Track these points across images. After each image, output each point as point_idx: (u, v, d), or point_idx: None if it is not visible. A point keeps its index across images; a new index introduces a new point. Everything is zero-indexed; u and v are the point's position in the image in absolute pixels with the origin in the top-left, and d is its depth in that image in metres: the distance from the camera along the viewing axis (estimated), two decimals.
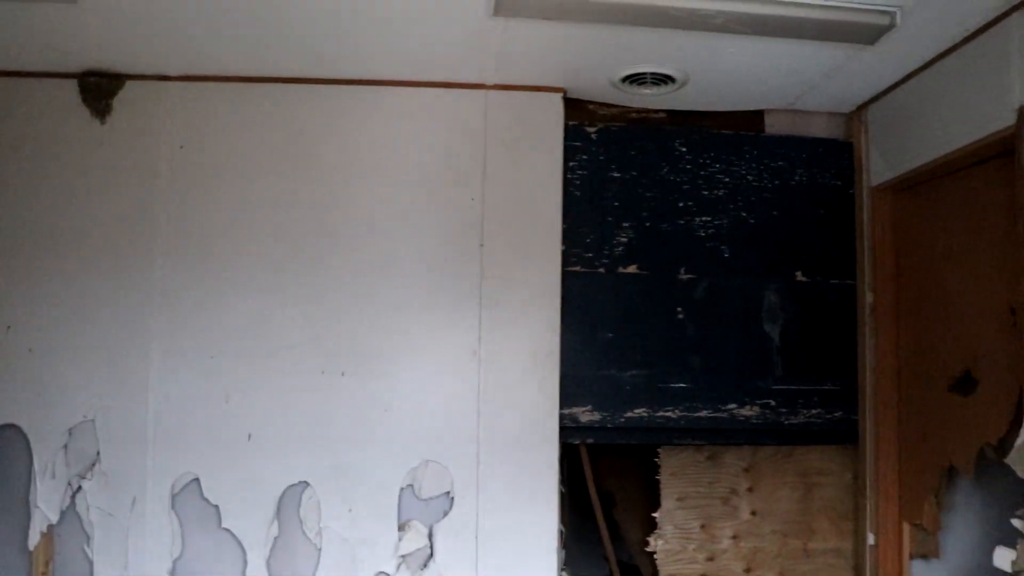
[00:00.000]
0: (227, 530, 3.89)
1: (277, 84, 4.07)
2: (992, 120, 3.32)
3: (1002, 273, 3.35)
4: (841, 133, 4.47)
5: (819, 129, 4.49)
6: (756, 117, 4.50)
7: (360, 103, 4.10)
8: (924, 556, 4.05)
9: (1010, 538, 3.12)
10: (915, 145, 3.85)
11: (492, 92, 4.15)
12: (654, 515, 4.33)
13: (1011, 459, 3.06)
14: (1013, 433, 3.15)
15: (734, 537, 4.36)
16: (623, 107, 4.40)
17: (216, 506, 3.88)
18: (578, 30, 3.51)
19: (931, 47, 3.62)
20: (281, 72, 4.02)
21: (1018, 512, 3.06)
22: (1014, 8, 3.21)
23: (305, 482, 3.93)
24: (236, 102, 4.04)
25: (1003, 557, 3.14)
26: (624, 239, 4.22)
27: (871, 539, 4.19)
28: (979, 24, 3.36)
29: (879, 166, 4.19)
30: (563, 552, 4.21)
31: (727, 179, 4.31)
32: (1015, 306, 3.24)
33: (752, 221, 4.29)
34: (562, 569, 4.16)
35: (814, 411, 4.24)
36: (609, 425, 4.12)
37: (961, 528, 3.92)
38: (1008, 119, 3.22)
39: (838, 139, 4.43)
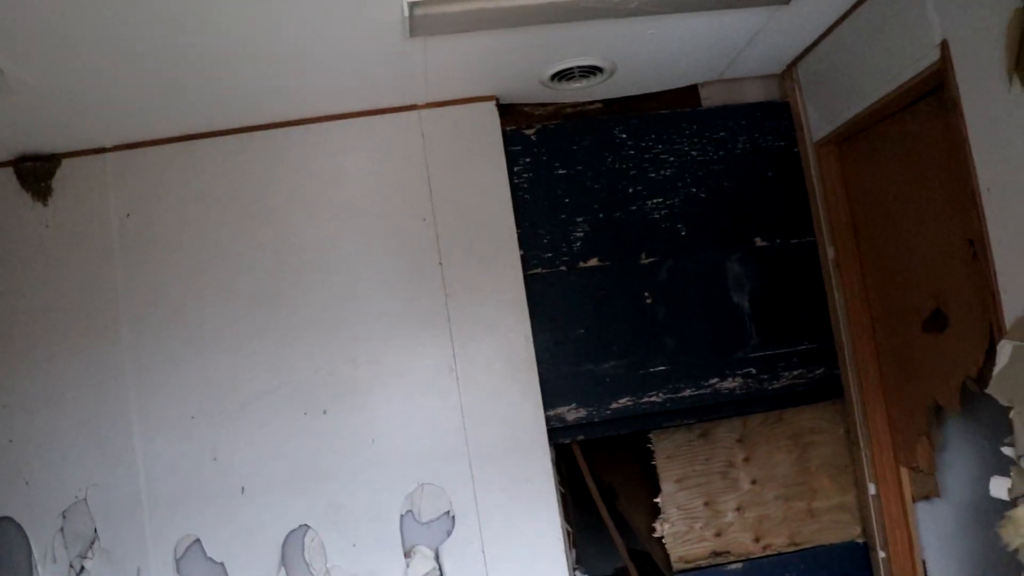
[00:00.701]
0: None
1: (216, 138, 4.03)
2: (917, 59, 3.31)
3: (954, 207, 3.34)
4: (777, 94, 4.45)
5: (755, 94, 4.47)
6: (691, 92, 4.48)
7: (299, 143, 4.07)
8: (926, 497, 4.03)
9: (1004, 466, 3.09)
10: (848, 96, 3.84)
11: (425, 111, 4.12)
12: (656, 500, 4.29)
13: (992, 388, 3.03)
14: (990, 362, 3.12)
15: (738, 509, 4.33)
16: (557, 104, 4.38)
17: (221, 563, 3.84)
18: (498, 37, 3.49)
19: None
20: (218, 126, 3.99)
21: (1007, 440, 3.02)
22: None
23: (305, 525, 3.89)
24: (177, 162, 4.00)
25: (999, 486, 3.10)
26: (580, 234, 4.19)
27: (872, 489, 4.17)
28: None
29: (818, 122, 4.18)
30: (573, 552, 4.17)
31: (672, 158, 4.28)
32: (971, 237, 3.21)
33: (703, 195, 4.27)
34: (575, 568, 4.12)
35: (796, 372, 4.22)
36: (596, 419, 4.09)
37: (957, 464, 3.91)
38: (932, 55, 3.21)
39: (774, 101, 4.41)
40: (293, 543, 3.88)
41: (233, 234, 3.98)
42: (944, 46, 3.13)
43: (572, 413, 4.06)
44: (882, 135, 3.81)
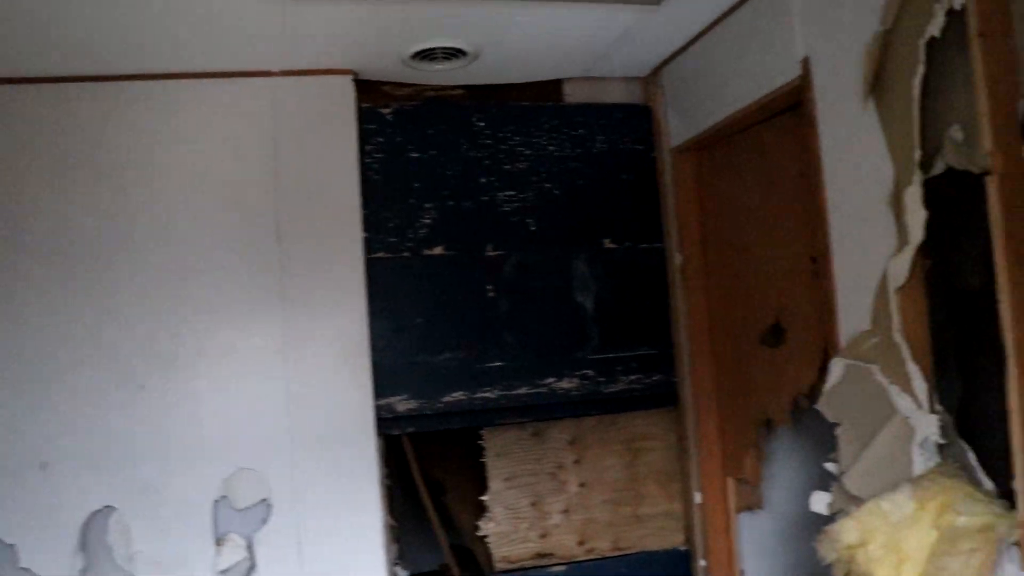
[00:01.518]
0: (26, 569, 3.48)
1: (48, 84, 3.65)
2: (779, 73, 3.28)
3: (801, 224, 3.32)
4: (639, 97, 4.39)
5: (618, 95, 4.39)
6: (554, 87, 4.37)
7: (138, 99, 3.73)
8: (749, 508, 4.05)
9: (827, 482, 3.08)
10: (709, 104, 3.80)
11: (279, 79, 3.86)
12: (483, 498, 4.15)
13: (821, 404, 3.03)
14: (823, 379, 3.10)
15: (565, 511, 4.24)
16: (418, 85, 4.18)
17: (12, 545, 3.48)
18: (362, 9, 3.29)
19: (717, 5, 3.56)
20: (53, 71, 3.61)
21: (831, 455, 3.02)
22: None
23: (110, 506, 3.57)
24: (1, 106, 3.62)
25: (820, 501, 3.10)
26: (428, 220, 4.01)
27: (698, 498, 4.15)
28: None
29: (677, 128, 4.13)
30: (395, 547, 4.00)
31: (528, 151, 4.16)
32: (815, 255, 3.19)
33: (556, 192, 4.16)
34: (395, 563, 3.94)
35: (633, 377, 4.15)
36: (428, 412, 3.93)
37: (782, 477, 3.94)
38: (794, 71, 3.19)
39: (636, 104, 4.35)
40: (96, 525, 3.56)
41: (54, 192, 3.62)
42: (806, 63, 3.11)
43: (403, 404, 3.88)
44: (739, 146, 3.78)
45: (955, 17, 2.49)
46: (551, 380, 4.06)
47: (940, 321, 4.45)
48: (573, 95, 4.36)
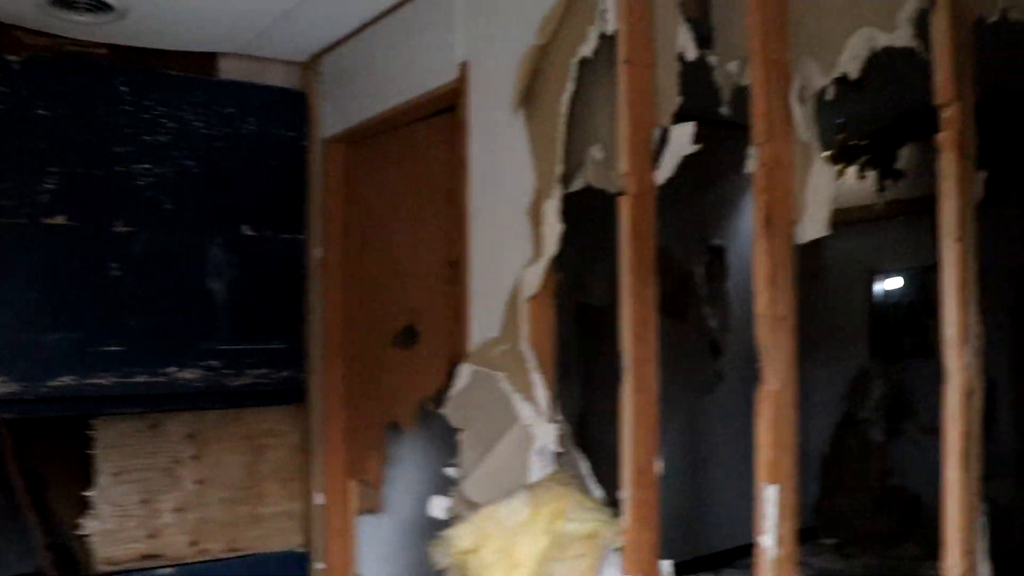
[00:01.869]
0: None
1: None
2: (436, 75, 3.26)
3: (444, 227, 3.30)
4: (297, 83, 4.20)
5: (276, 78, 4.18)
6: (208, 60, 4.07)
7: None
8: (371, 511, 3.99)
9: (445, 486, 3.07)
10: (365, 98, 3.72)
11: None
12: (87, 494, 3.77)
13: (446, 409, 3.02)
14: (449, 384, 3.09)
15: (178, 509, 3.94)
16: (59, 37, 3.71)
17: None
18: None
19: None
20: None
21: (452, 461, 3.01)
22: None
23: None
24: None
25: (439, 505, 3.09)
26: (51, 186, 3.56)
27: (319, 498, 4.03)
28: None
29: (331, 118, 4.00)
30: None
31: (172, 124, 3.84)
32: (454, 259, 3.18)
33: (198, 171, 3.87)
34: None
35: (261, 371, 3.96)
36: (30, 396, 3.49)
37: (405, 481, 3.92)
38: (451, 74, 3.17)
39: (292, 89, 4.16)
40: None
41: None
42: (464, 67, 3.11)
43: (1, 387, 3.42)
44: (392, 144, 3.72)
45: (606, 41, 2.57)
46: (173, 369, 3.75)
47: (569, 333, 4.65)
48: (228, 71, 4.09)
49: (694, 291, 5.13)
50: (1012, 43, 2.85)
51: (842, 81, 2.14)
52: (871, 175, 5.19)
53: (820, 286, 5.80)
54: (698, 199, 4.92)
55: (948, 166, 1.85)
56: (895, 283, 5.52)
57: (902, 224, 5.27)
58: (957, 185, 1.84)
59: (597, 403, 4.33)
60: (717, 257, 5.18)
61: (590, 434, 4.53)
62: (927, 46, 1.92)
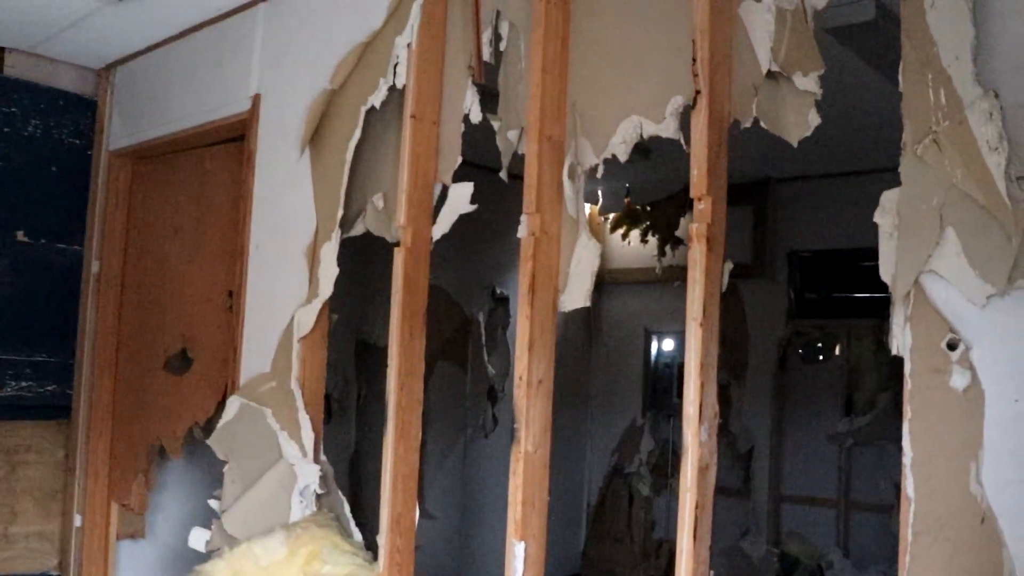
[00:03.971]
0: None
1: None
2: (229, 104, 3.14)
3: (225, 255, 3.16)
4: (90, 90, 3.92)
5: (68, 81, 3.89)
6: None
7: None
8: (132, 536, 3.76)
9: (208, 519, 2.93)
10: (158, 115, 3.52)
11: None
12: None
13: (212, 440, 2.87)
14: (219, 415, 2.96)
15: None
16: None
17: None
18: None
19: (185, 17, 3.31)
20: None
21: (215, 492, 2.87)
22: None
23: None
24: None
25: (198, 538, 2.94)
26: None
27: (79, 520, 3.75)
28: (232, 5, 3.15)
29: (120, 130, 3.77)
30: None
31: None
32: (233, 289, 3.05)
33: None
34: None
35: (24, 384, 3.67)
36: None
37: (170, 508, 3.72)
38: (244, 105, 3.06)
39: (83, 95, 3.89)
40: None
41: None
42: (256, 100, 2.99)
43: None
44: (180, 165, 3.53)
45: (396, 94, 2.53)
46: None
47: (348, 371, 4.56)
48: (16, 68, 3.77)
49: (476, 337, 5.15)
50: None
51: (613, 161, 2.19)
52: (653, 240, 5.37)
53: (602, 341, 5.94)
54: (486, 248, 4.93)
55: (696, 256, 1.91)
56: (668, 344, 5.70)
57: (678, 289, 5.34)
58: (703, 274, 1.89)
59: (370, 440, 4.26)
60: (500, 305, 5.21)
61: (362, 474, 4.47)
62: (688, 141, 1.98)
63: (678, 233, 5.19)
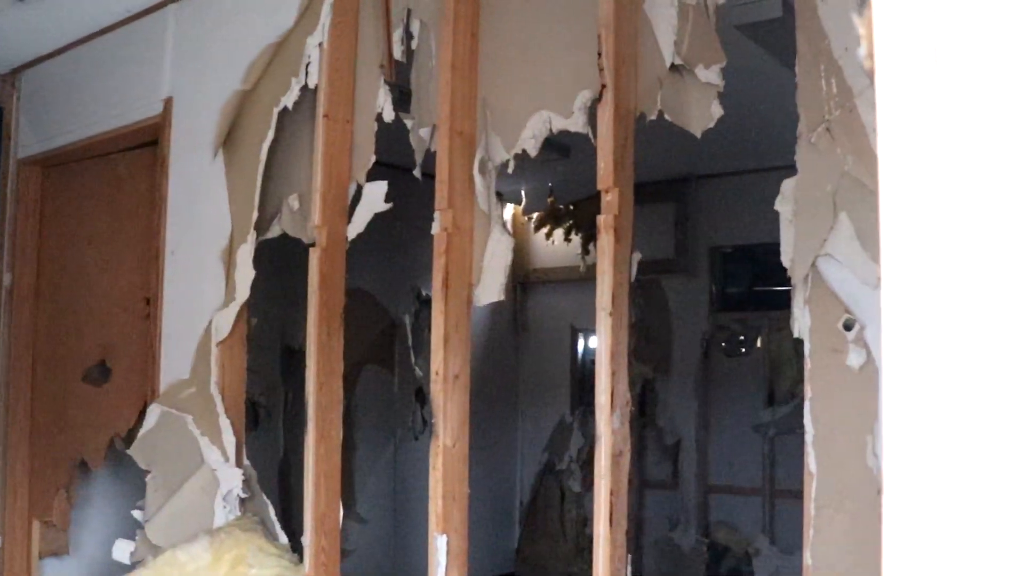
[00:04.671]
0: None
1: None
2: (141, 108, 3.10)
3: (140, 264, 3.13)
4: None
5: None
6: None
7: None
8: (55, 553, 3.66)
9: (132, 530, 2.89)
10: (68, 121, 3.46)
11: None
12: None
13: (133, 450, 2.84)
14: (139, 424, 2.92)
15: None
16: None
17: None
18: None
19: (92, 19, 3.25)
20: None
21: (139, 503, 2.84)
22: (171, 0, 3.00)
23: None
24: None
25: (122, 549, 2.90)
26: None
27: None
28: (142, 7, 3.11)
29: (29, 137, 3.69)
30: None
31: None
32: (149, 296, 3.02)
33: None
34: None
35: None
36: None
37: (93, 522, 3.65)
38: (156, 108, 3.03)
39: None
40: None
41: None
42: (168, 103, 2.96)
43: None
44: (93, 172, 3.47)
45: (309, 94, 2.53)
46: None
47: (273, 376, 4.53)
48: None
49: (403, 339, 5.15)
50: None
51: (525, 156, 2.22)
52: (576, 239, 5.43)
53: (529, 340, 5.98)
54: (408, 249, 4.92)
55: (604, 246, 1.95)
56: (594, 341, 5.72)
57: None
58: (611, 264, 1.93)
59: (298, 445, 4.24)
60: (426, 307, 5.19)
61: (290, 475, 4.43)
62: (596, 134, 2.02)
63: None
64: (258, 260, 2.61)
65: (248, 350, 2.75)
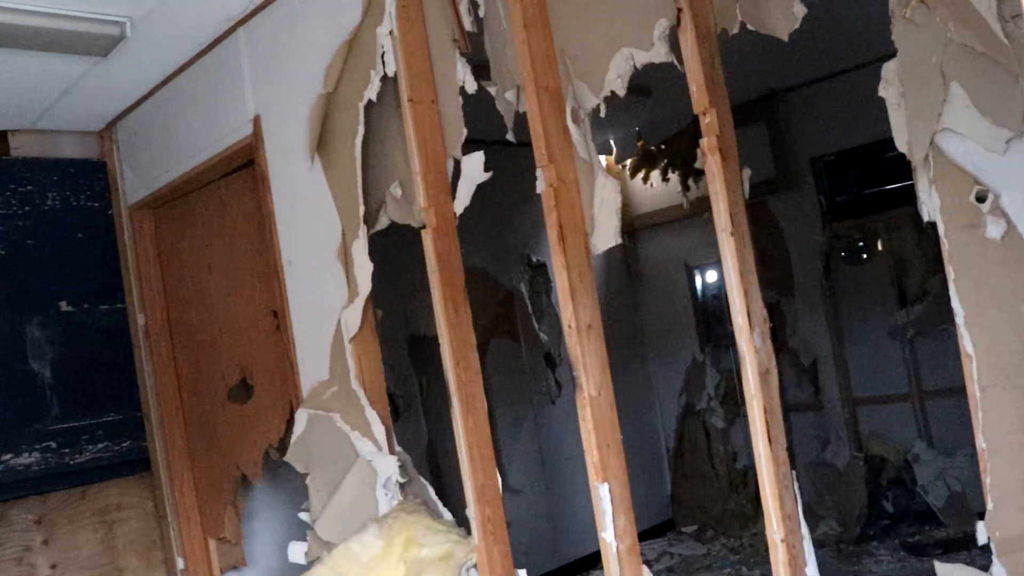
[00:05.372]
0: None
1: None
2: (232, 131, 3.19)
3: (261, 279, 3.24)
4: (95, 152, 4.01)
5: (71, 149, 3.97)
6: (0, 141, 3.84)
7: None
8: (234, 567, 3.84)
9: (303, 531, 3.00)
10: (165, 161, 3.59)
11: None
12: None
13: (289, 456, 2.94)
14: (289, 431, 3.02)
15: None
16: None
17: None
18: None
19: (169, 60, 3.36)
20: None
21: (304, 505, 2.94)
22: (239, 23, 3.07)
23: None
24: None
25: (297, 551, 3.01)
26: None
27: (181, 563, 3.87)
28: (212, 37, 3.19)
29: (133, 184, 3.84)
30: None
31: None
32: (275, 309, 3.11)
33: (3, 252, 3.65)
34: None
35: (101, 445, 3.77)
36: None
37: (263, 532, 3.80)
38: (246, 129, 3.11)
39: (91, 159, 3.97)
40: None
41: None
42: (257, 121, 3.04)
43: None
44: (198, 203, 3.60)
45: (389, 82, 2.56)
46: (8, 456, 3.53)
47: (405, 365, 4.62)
48: (21, 148, 3.86)
49: (523, 308, 5.18)
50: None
51: (614, 98, 2.21)
52: (674, 177, 5.38)
53: (646, 287, 5.95)
54: (513, 220, 4.94)
55: (713, 168, 1.93)
56: (711, 276, 5.68)
57: (710, 220, 5.25)
58: (723, 185, 1.91)
59: (440, 429, 4.31)
60: (539, 272, 5.23)
61: (438, 460, 4.52)
62: (681, 60, 1.99)
63: (697, 165, 5.17)
64: (370, 256, 2.66)
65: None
